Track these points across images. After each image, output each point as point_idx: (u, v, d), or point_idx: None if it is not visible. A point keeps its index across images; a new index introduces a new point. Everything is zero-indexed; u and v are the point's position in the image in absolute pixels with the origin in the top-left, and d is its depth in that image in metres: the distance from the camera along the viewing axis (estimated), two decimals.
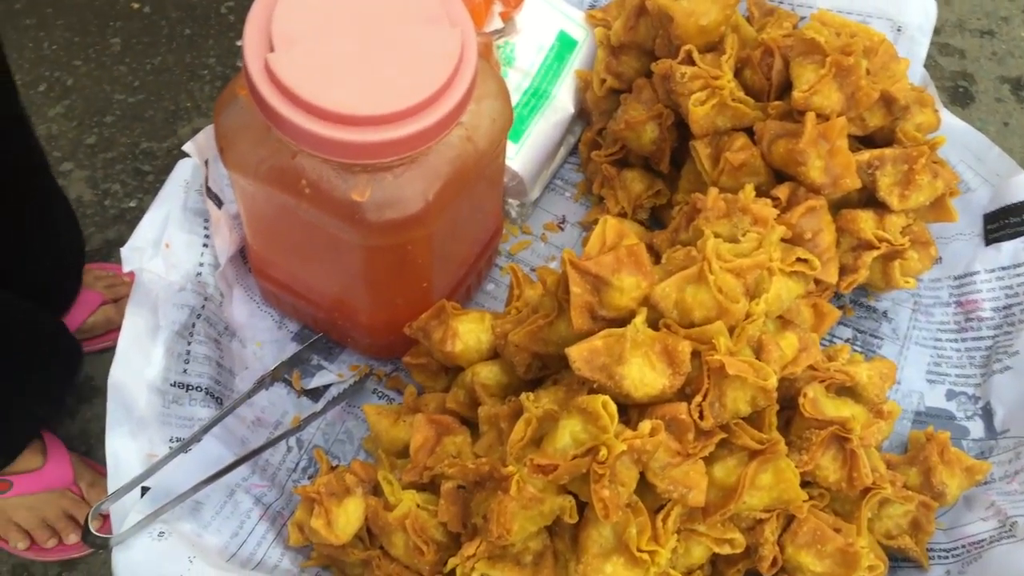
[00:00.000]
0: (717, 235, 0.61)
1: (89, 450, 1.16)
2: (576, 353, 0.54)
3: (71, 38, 1.50)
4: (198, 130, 1.44)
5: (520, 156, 0.78)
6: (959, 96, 1.54)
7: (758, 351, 0.57)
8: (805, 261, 0.59)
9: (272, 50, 0.56)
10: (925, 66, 0.82)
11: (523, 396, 0.57)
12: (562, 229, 0.81)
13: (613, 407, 0.52)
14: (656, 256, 0.70)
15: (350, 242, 0.61)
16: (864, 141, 0.72)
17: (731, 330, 0.56)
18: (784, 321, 0.61)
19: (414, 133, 0.55)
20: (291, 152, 0.58)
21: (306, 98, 0.54)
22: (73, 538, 1.07)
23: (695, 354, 0.55)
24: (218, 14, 1.55)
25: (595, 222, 0.79)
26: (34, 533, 1.05)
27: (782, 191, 0.67)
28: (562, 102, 0.81)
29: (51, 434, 1.10)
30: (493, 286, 0.78)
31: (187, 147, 0.71)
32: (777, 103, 0.70)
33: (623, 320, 0.56)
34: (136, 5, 1.54)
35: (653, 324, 0.57)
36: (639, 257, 0.55)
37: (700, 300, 0.56)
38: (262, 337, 0.74)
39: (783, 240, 0.62)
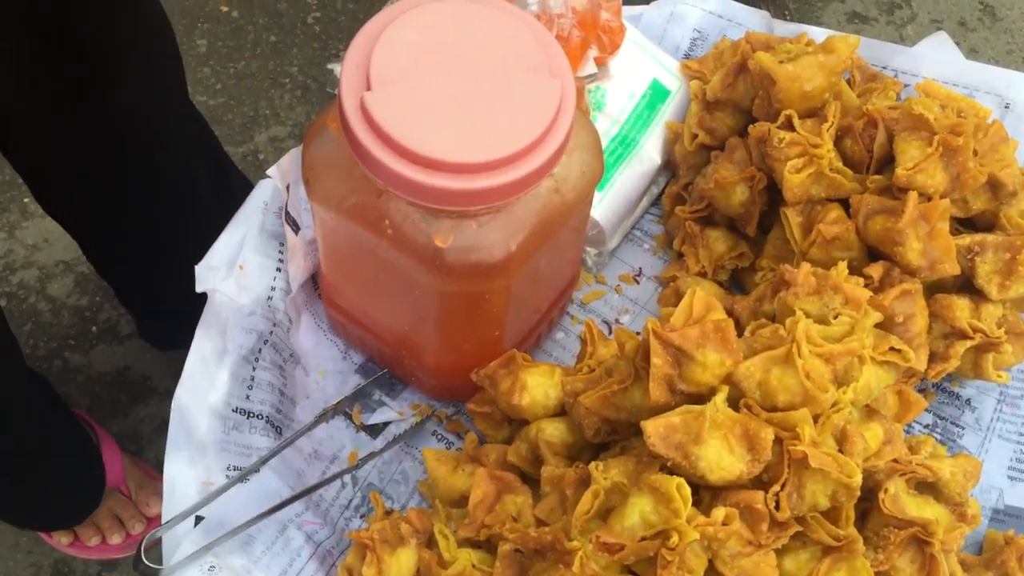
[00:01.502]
0: (806, 314, 0.59)
1: (140, 450, 1.16)
2: (652, 428, 0.52)
3: None
4: (275, 138, 1.46)
5: (602, 205, 0.76)
6: None
7: (841, 441, 0.55)
8: (899, 351, 0.57)
9: (369, 88, 0.55)
10: None
11: (592, 465, 0.55)
12: (638, 282, 0.79)
13: (688, 491, 0.50)
14: (736, 323, 0.68)
15: (426, 285, 0.60)
16: (965, 223, 0.69)
17: (815, 418, 0.54)
18: (869, 410, 0.58)
19: (504, 184, 0.54)
20: (377, 191, 0.57)
21: (398, 139, 0.53)
22: (116, 539, 1.07)
23: (776, 440, 0.53)
24: (304, 23, 1.56)
25: (673, 278, 0.77)
26: (78, 530, 1.06)
27: (875, 270, 0.65)
28: (649, 152, 0.79)
29: (104, 431, 1.11)
30: (563, 335, 0.77)
31: (271, 171, 0.70)
32: (876, 177, 0.67)
33: (702, 396, 0.54)
34: (225, 8, 1.56)
35: (733, 403, 0.55)
36: (726, 333, 0.53)
37: (786, 384, 0.53)
38: (326, 367, 0.73)
39: (875, 325, 0.60)
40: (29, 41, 0.75)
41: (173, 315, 0.98)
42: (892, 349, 0.57)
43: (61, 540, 1.06)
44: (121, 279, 1.09)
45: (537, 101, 0.56)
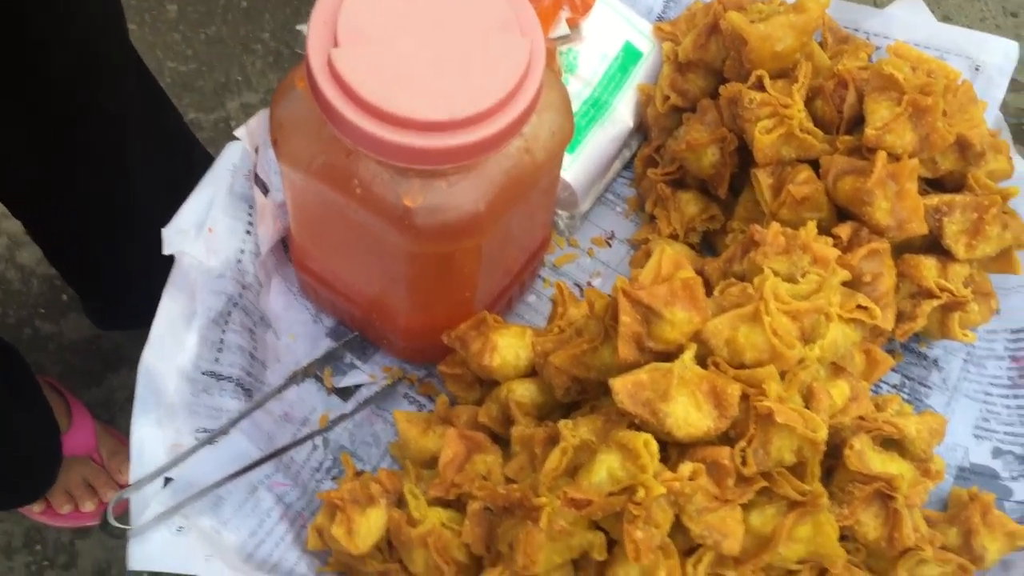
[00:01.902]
0: (774, 272, 0.59)
1: (112, 418, 1.16)
2: (620, 385, 0.52)
3: (128, 1, 1.49)
4: (247, 104, 1.44)
5: (574, 167, 0.76)
6: (1022, 134, 1.50)
7: (808, 398, 0.55)
8: (865, 309, 0.57)
9: (336, 45, 0.54)
10: None
11: (561, 423, 0.55)
12: (610, 245, 0.79)
13: (655, 446, 0.50)
14: (706, 283, 0.68)
15: (396, 246, 0.59)
16: (933, 184, 0.70)
17: (782, 374, 0.54)
18: (836, 367, 0.59)
19: (473, 142, 0.54)
20: (346, 150, 0.56)
21: (366, 97, 0.52)
22: (89, 506, 1.07)
23: (743, 397, 0.53)
24: None
25: (645, 241, 0.77)
26: (50, 497, 1.05)
27: (844, 230, 0.65)
28: (622, 115, 0.79)
29: (77, 400, 1.10)
30: (535, 298, 0.77)
31: (239, 132, 0.70)
32: (847, 137, 0.68)
33: (670, 354, 0.54)
34: None
35: (701, 360, 0.55)
36: (694, 291, 0.54)
37: (753, 341, 0.54)
38: (296, 330, 0.73)
39: (842, 284, 0.60)
40: None
41: (117, 295, 0.97)
42: (859, 307, 0.57)
43: (33, 508, 1.05)
44: (61, 257, 1.07)
45: (506, 59, 0.55)
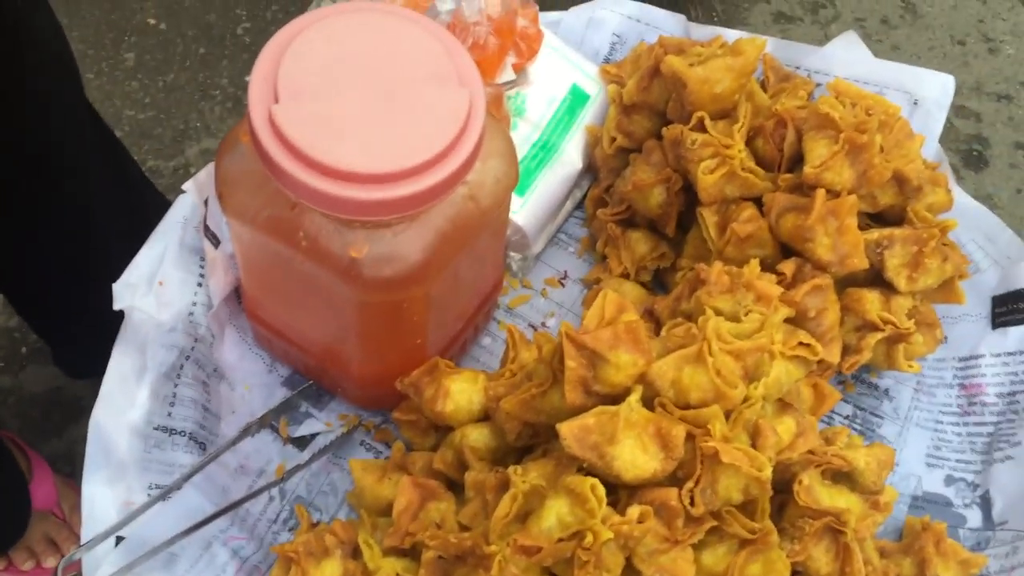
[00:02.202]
0: (718, 312, 0.60)
1: (74, 471, 1.15)
2: (567, 430, 0.53)
3: (85, 50, 1.50)
4: (206, 150, 1.44)
5: (525, 210, 0.77)
6: (973, 160, 1.53)
7: (754, 436, 0.56)
8: (807, 346, 0.58)
9: (277, 101, 0.55)
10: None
11: (511, 469, 0.55)
12: (563, 285, 0.80)
13: (602, 491, 0.51)
14: (656, 322, 0.69)
15: (345, 296, 0.60)
16: (874, 218, 0.71)
17: (727, 413, 0.55)
18: (782, 404, 0.60)
19: (416, 193, 0.54)
20: (290, 203, 0.56)
21: (308, 152, 0.53)
22: (51, 561, 1.05)
23: (689, 437, 0.53)
24: (234, 35, 1.55)
25: (597, 280, 0.78)
26: (12, 554, 1.04)
27: (788, 266, 0.66)
28: (571, 156, 0.80)
29: (36, 454, 1.09)
30: (490, 340, 0.77)
31: (186, 186, 0.70)
32: (787, 175, 0.69)
33: (617, 397, 0.55)
34: (153, 21, 1.54)
35: (648, 401, 0.56)
36: (637, 335, 0.54)
37: (697, 382, 0.54)
38: (251, 380, 0.73)
39: (786, 320, 0.61)
40: None
41: (83, 343, 0.96)
42: (801, 344, 0.58)
43: None
44: (28, 306, 1.07)
45: (446, 110, 0.56)
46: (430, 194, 0.55)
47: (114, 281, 0.67)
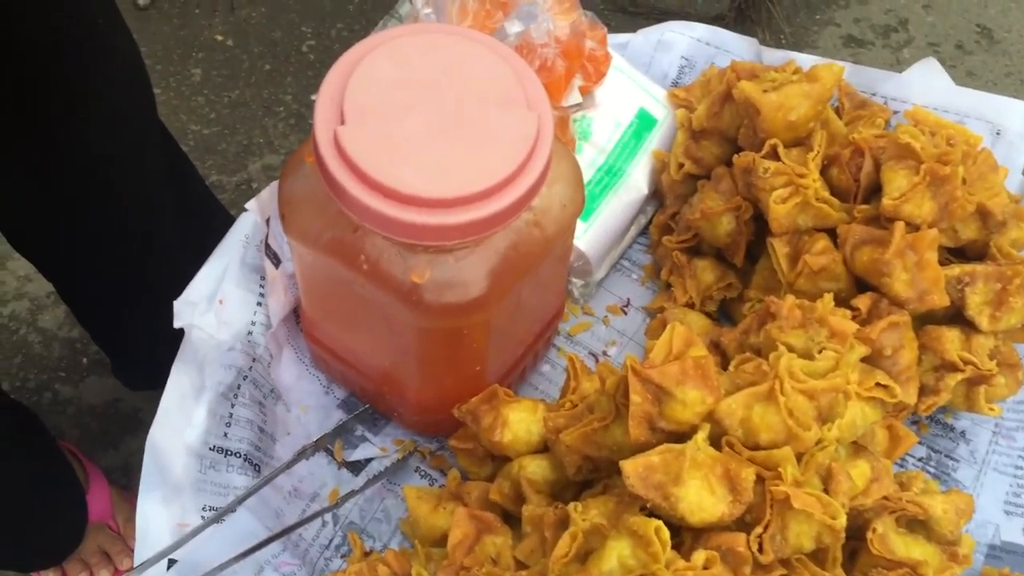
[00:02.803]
0: (790, 348, 0.58)
1: (130, 483, 1.15)
2: (631, 468, 0.51)
3: (153, 65, 1.52)
4: (268, 166, 1.45)
5: (588, 235, 0.75)
6: None
7: (827, 480, 0.53)
8: (885, 387, 0.55)
9: (343, 122, 0.54)
10: None
11: (571, 506, 0.53)
12: (625, 313, 0.78)
13: (666, 534, 0.48)
14: (722, 355, 0.66)
15: (404, 321, 0.59)
16: (955, 253, 0.68)
17: (799, 456, 0.52)
18: (856, 446, 0.57)
19: (481, 218, 0.53)
20: (353, 226, 0.56)
21: (372, 174, 0.52)
22: (104, 574, 1.05)
23: (759, 480, 0.51)
24: (299, 52, 1.56)
25: (660, 309, 0.76)
26: (65, 566, 1.05)
27: (863, 302, 0.64)
28: (636, 181, 0.79)
29: (93, 465, 1.09)
30: (549, 367, 0.75)
31: (249, 205, 0.69)
32: (864, 207, 0.66)
33: (683, 435, 0.53)
34: (220, 37, 1.56)
35: (715, 440, 0.54)
36: (706, 371, 0.52)
37: (768, 422, 0.52)
38: (307, 402, 0.72)
39: (861, 359, 0.58)
40: None
41: (143, 356, 0.96)
42: (878, 384, 0.56)
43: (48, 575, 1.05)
44: (90, 319, 1.08)
45: (514, 134, 0.55)
46: (494, 220, 0.54)
47: (176, 296, 0.67)
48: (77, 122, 0.80)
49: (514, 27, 0.68)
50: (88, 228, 0.89)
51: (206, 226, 1.02)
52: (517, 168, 0.54)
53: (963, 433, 0.73)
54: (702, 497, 0.50)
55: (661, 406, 0.53)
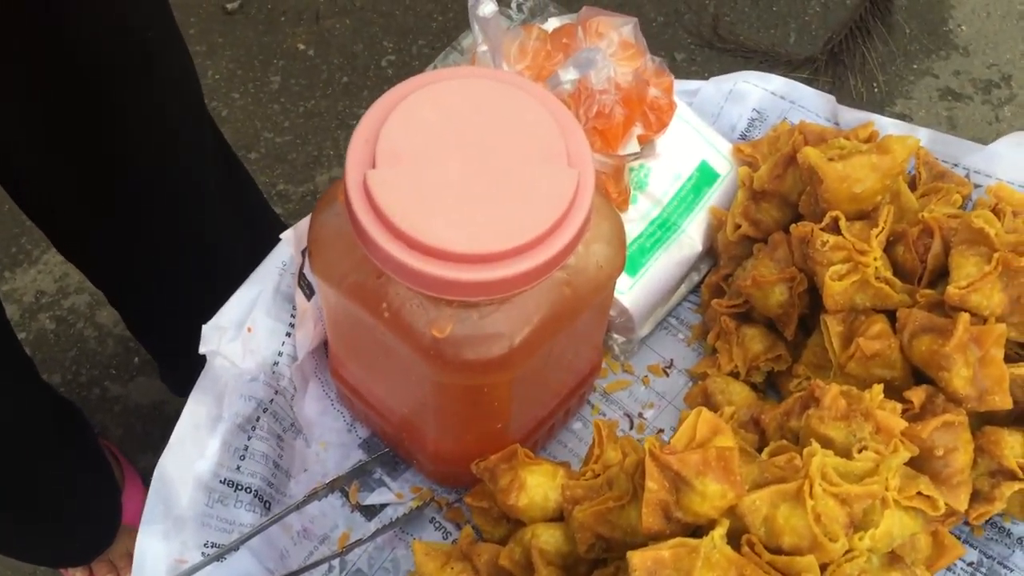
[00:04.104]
0: (828, 441, 0.54)
1: None
2: (639, 560, 0.47)
3: (234, 70, 1.53)
4: (336, 178, 1.45)
5: (634, 291, 0.72)
6: None
7: None
8: (929, 498, 0.51)
9: (374, 166, 0.52)
10: None
11: None
12: (667, 374, 0.75)
13: None
14: (761, 434, 0.63)
15: (423, 373, 0.56)
16: None
17: (824, 566, 0.48)
18: (892, 556, 0.53)
19: (508, 277, 0.51)
20: (377, 271, 0.54)
21: (397, 223, 0.50)
22: None
23: None
24: (378, 66, 1.55)
25: (704, 375, 0.72)
26: (94, 566, 1.05)
27: (917, 395, 0.59)
28: (691, 238, 0.75)
29: (131, 466, 1.10)
30: (581, 425, 0.72)
31: (285, 235, 0.68)
32: (928, 291, 0.62)
33: (701, 527, 0.49)
34: (302, 46, 1.57)
35: (735, 534, 0.50)
36: (729, 463, 0.49)
37: (793, 525, 0.48)
38: (329, 438, 0.70)
39: (910, 459, 0.54)
40: (26, 75, 0.73)
41: (191, 362, 0.96)
42: (920, 494, 0.51)
43: (76, 574, 1.05)
44: (139, 326, 1.08)
45: (550, 191, 0.52)
46: (523, 279, 0.51)
47: (223, 303, 0.66)
48: (123, 126, 0.80)
49: (569, 75, 0.65)
50: (134, 233, 0.89)
51: (261, 237, 1.01)
52: (551, 227, 0.51)
53: (1020, 540, 0.67)
54: None
55: (678, 495, 0.49)
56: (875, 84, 1.63)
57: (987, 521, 0.67)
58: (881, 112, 1.56)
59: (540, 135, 0.54)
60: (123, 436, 1.22)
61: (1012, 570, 0.66)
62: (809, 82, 0.85)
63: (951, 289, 0.59)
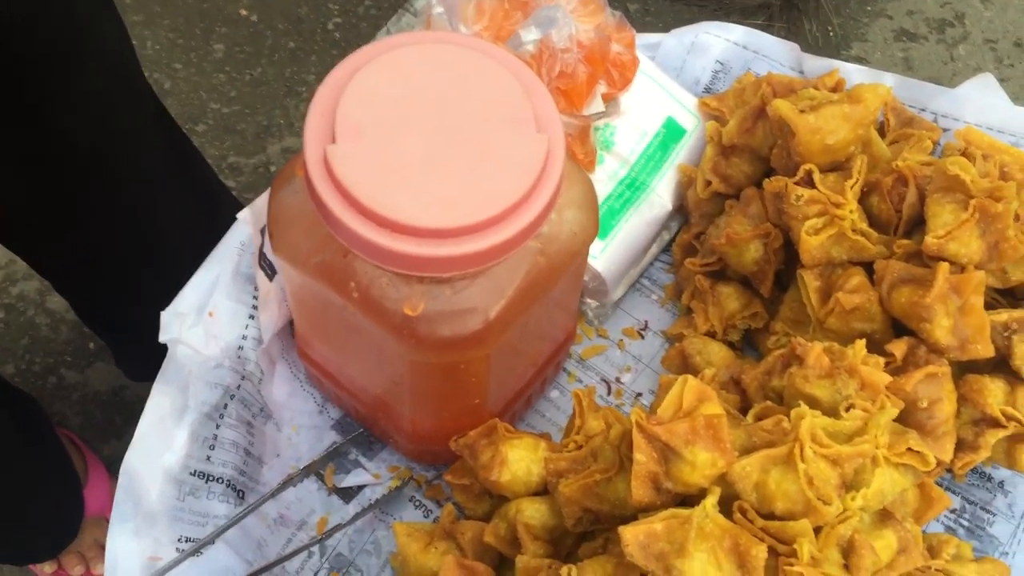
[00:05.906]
0: (814, 401, 0.53)
1: None
2: (631, 535, 0.46)
3: (175, 39, 1.48)
4: (288, 149, 1.41)
5: (605, 254, 0.70)
6: None
7: (848, 553, 0.49)
8: (918, 453, 0.50)
9: (334, 140, 0.49)
10: None
11: (564, 570, 0.49)
12: (642, 336, 0.73)
13: None
14: (742, 394, 0.62)
15: (396, 352, 0.54)
16: (1003, 293, 0.63)
17: (818, 529, 0.47)
18: (883, 513, 0.52)
19: (480, 250, 0.49)
20: (343, 250, 0.51)
21: (362, 200, 0.48)
22: (101, 568, 1.03)
23: (771, 553, 0.47)
24: (324, 30, 1.51)
25: (680, 336, 0.71)
26: (62, 558, 1.02)
27: (898, 347, 0.58)
28: (660, 196, 0.73)
29: (95, 456, 1.07)
30: (557, 393, 0.71)
31: (242, 214, 0.65)
32: (905, 241, 0.61)
33: (691, 497, 0.48)
34: (244, 12, 1.52)
35: (727, 502, 0.49)
36: (718, 431, 0.47)
37: (785, 489, 0.47)
38: (300, 421, 0.68)
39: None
40: None
41: (144, 347, 0.93)
42: (911, 450, 0.50)
43: (44, 569, 1.03)
44: (89, 312, 1.04)
45: (520, 158, 0.50)
46: (496, 251, 0.49)
47: (176, 288, 0.63)
48: (59, 109, 0.76)
49: (530, 35, 0.63)
50: (81, 221, 0.85)
51: (211, 215, 0.98)
52: (522, 196, 0.49)
53: (1002, 484, 0.67)
54: (707, 573, 0.45)
55: (668, 466, 0.48)
56: (830, 28, 1.62)
57: None
58: (837, 56, 1.55)
59: (506, 100, 0.51)
60: (83, 424, 1.19)
61: (995, 514, 0.66)
62: (765, 28, 0.83)
63: (929, 239, 0.58)
